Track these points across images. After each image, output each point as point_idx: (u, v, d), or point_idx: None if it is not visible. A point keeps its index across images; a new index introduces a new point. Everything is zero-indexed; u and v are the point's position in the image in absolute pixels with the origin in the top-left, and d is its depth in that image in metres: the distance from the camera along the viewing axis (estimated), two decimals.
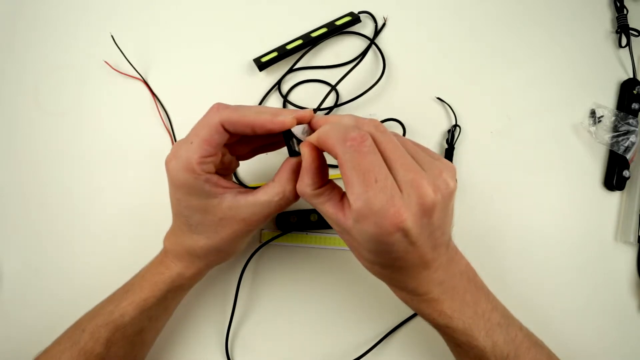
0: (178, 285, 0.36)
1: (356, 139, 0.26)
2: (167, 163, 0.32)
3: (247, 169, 0.46)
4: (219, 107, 0.31)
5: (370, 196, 0.25)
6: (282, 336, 0.43)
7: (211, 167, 0.32)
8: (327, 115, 0.35)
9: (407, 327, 0.43)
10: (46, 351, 0.35)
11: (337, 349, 0.43)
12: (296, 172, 0.32)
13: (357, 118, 0.30)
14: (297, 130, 0.32)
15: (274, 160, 0.46)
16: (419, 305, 0.32)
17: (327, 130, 0.28)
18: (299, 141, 0.32)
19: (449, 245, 0.31)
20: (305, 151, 0.30)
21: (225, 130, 0.31)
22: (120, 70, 0.47)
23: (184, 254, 0.35)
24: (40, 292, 0.43)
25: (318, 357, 0.42)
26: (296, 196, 0.32)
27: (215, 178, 0.32)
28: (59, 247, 0.44)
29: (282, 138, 0.32)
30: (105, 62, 0.47)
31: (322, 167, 0.30)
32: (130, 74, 0.47)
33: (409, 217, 0.26)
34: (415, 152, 0.29)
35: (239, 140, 0.35)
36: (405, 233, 0.26)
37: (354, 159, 0.26)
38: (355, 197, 0.26)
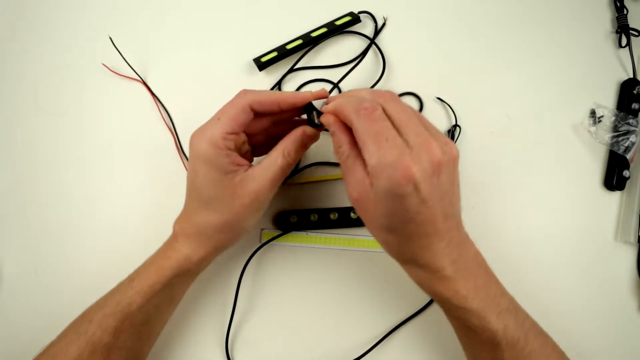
0: (184, 270, 0.36)
1: (367, 108, 0.30)
2: (192, 137, 0.34)
3: None
4: (246, 91, 0.35)
5: (382, 153, 0.28)
6: (282, 336, 0.43)
7: (232, 145, 0.34)
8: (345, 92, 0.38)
9: (407, 327, 0.43)
10: (52, 345, 0.35)
11: (337, 348, 0.43)
12: (298, 139, 0.36)
13: (373, 90, 0.34)
14: (317, 104, 0.36)
15: None
16: (434, 285, 0.32)
17: (342, 102, 0.32)
18: (319, 114, 0.36)
19: (459, 225, 0.33)
20: (328, 117, 0.33)
21: (252, 110, 0.34)
22: (120, 73, 0.47)
23: (194, 235, 0.36)
24: (40, 292, 0.43)
25: (318, 356, 0.42)
26: (296, 157, 0.35)
27: (234, 155, 0.34)
28: (59, 247, 0.44)
29: (296, 121, 0.37)
30: (104, 64, 0.47)
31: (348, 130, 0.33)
32: (130, 76, 0.47)
33: (418, 171, 0.28)
34: (426, 123, 0.32)
35: (256, 127, 0.37)
36: (416, 186, 0.28)
37: (366, 125, 0.30)
38: (370, 156, 0.29)
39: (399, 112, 0.31)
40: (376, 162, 0.29)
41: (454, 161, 0.31)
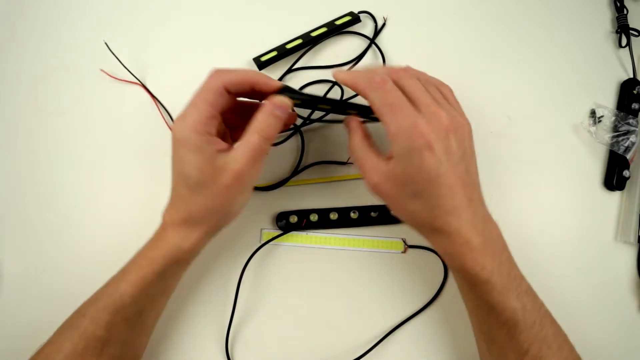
0: (176, 260, 0.36)
1: (379, 82, 0.34)
2: (174, 125, 0.35)
3: None
4: (218, 71, 0.35)
5: (399, 119, 0.32)
6: (282, 336, 0.43)
7: (213, 130, 0.35)
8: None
9: (407, 327, 0.43)
10: (48, 342, 0.35)
11: (337, 348, 0.43)
12: (268, 113, 0.35)
13: (389, 67, 0.38)
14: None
15: (279, 164, 0.46)
16: (463, 256, 0.33)
17: (357, 75, 0.36)
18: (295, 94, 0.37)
19: (482, 201, 0.35)
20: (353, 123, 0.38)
21: (227, 91, 0.35)
22: (119, 77, 0.47)
23: (183, 222, 0.36)
24: (40, 292, 0.43)
25: (318, 357, 0.42)
26: (270, 132, 0.35)
27: (215, 140, 0.35)
28: (59, 247, 0.44)
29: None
30: (102, 70, 0.47)
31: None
32: (129, 80, 0.47)
33: (431, 132, 0.32)
34: (447, 94, 0.37)
35: (230, 111, 0.38)
36: (430, 146, 0.31)
37: (381, 97, 0.34)
38: (389, 124, 0.33)
39: (411, 85, 0.34)
40: (395, 129, 0.32)
41: (462, 129, 0.34)
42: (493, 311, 0.33)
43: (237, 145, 0.35)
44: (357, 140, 0.36)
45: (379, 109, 0.34)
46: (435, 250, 0.35)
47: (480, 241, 0.33)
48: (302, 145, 0.46)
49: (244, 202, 0.38)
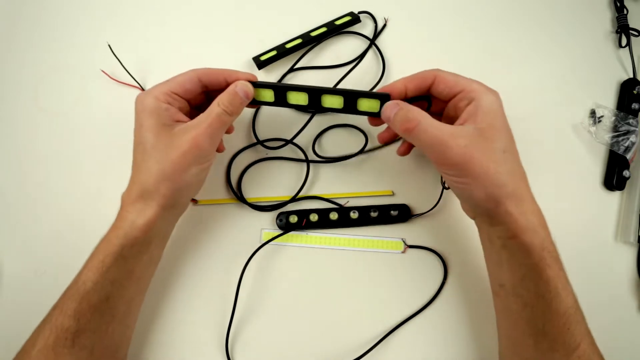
0: (132, 238, 0.35)
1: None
2: (137, 96, 0.37)
3: (251, 182, 0.46)
4: (196, 68, 0.38)
5: (477, 83, 0.37)
6: (282, 336, 0.43)
7: (173, 102, 0.37)
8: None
9: (407, 327, 0.43)
10: (28, 338, 0.35)
11: (337, 348, 0.43)
12: (231, 90, 0.38)
13: None
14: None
15: (275, 172, 0.46)
16: (540, 228, 0.35)
17: (409, 77, 0.40)
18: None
19: (528, 185, 0.36)
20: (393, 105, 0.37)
21: (200, 81, 0.38)
22: (119, 80, 0.47)
23: (137, 196, 0.35)
24: (40, 292, 0.43)
25: (318, 356, 0.42)
26: (231, 107, 0.37)
27: (173, 110, 0.37)
28: (59, 247, 0.44)
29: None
30: (103, 71, 0.47)
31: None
32: (129, 83, 0.47)
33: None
34: None
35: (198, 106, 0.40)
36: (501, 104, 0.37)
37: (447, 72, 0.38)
38: (469, 83, 0.37)
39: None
40: (477, 86, 0.36)
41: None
42: (555, 299, 0.33)
43: (199, 115, 0.37)
44: (417, 112, 0.35)
45: (454, 76, 0.37)
46: (512, 227, 0.34)
47: (535, 221, 0.35)
48: (307, 175, 0.46)
49: (200, 175, 0.38)
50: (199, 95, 0.40)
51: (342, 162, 0.46)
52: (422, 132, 0.34)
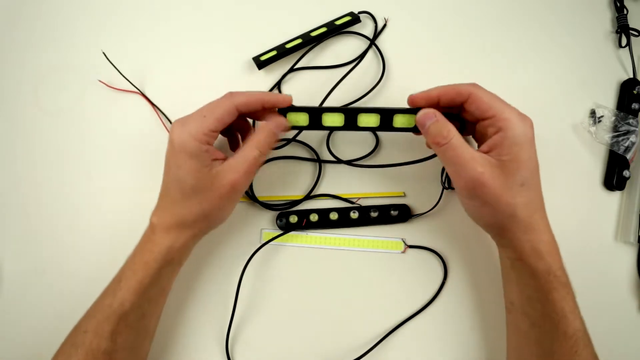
0: (169, 260, 0.36)
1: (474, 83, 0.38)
2: (174, 129, 0.36)
3: (262, 180, 0.46)
4: (232, 94, 0.37)
5: (510, 109, 0.36)
6: (282, 336, 0.43)
7: (212, 141, 0.36)
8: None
9: (407, 327, 0.43)
10: None
11: (337, 348, 0.43)
12: (271, 133, 0.38)
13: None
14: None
15: (276, 172, 0.46)
16: (552, 256, 0.35)
17: (441, 88, 0.38)
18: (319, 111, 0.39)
19: (544, 216, 0.37)
20: (428, 112, 0.37)
21: (238, 111, 0.37)
22: (117, 87, 0.47)
23: (173, 225, 0.36)
24: (40, 292, 0.43)
25: (318, 356, 0.42)
26: (268, 149, 0.38)
27: (212, 149, 0.36)
28: (59, 247, 0.44)
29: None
30: (100, 81, 0.47)
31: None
32: (128, 89, 0.47)
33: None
34: None
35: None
36: (534, 139, 0.36)
37: (484, 90, 0.37)
38: (501, 110, 0.36)
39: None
40: (509, 115, 0.35)
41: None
42: (563, 321, 0.34)
43: (235, 156, 0.36)
44: (451, 130, 0.36)
45: (490, 99, 0.36)
46: (518, 251, 0.35)
47: (549, 238, 0.36)
48: (319, 174, 0.46)
49: (232, 209, 0.39)
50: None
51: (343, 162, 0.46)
52: (449, 150, 0.35)
